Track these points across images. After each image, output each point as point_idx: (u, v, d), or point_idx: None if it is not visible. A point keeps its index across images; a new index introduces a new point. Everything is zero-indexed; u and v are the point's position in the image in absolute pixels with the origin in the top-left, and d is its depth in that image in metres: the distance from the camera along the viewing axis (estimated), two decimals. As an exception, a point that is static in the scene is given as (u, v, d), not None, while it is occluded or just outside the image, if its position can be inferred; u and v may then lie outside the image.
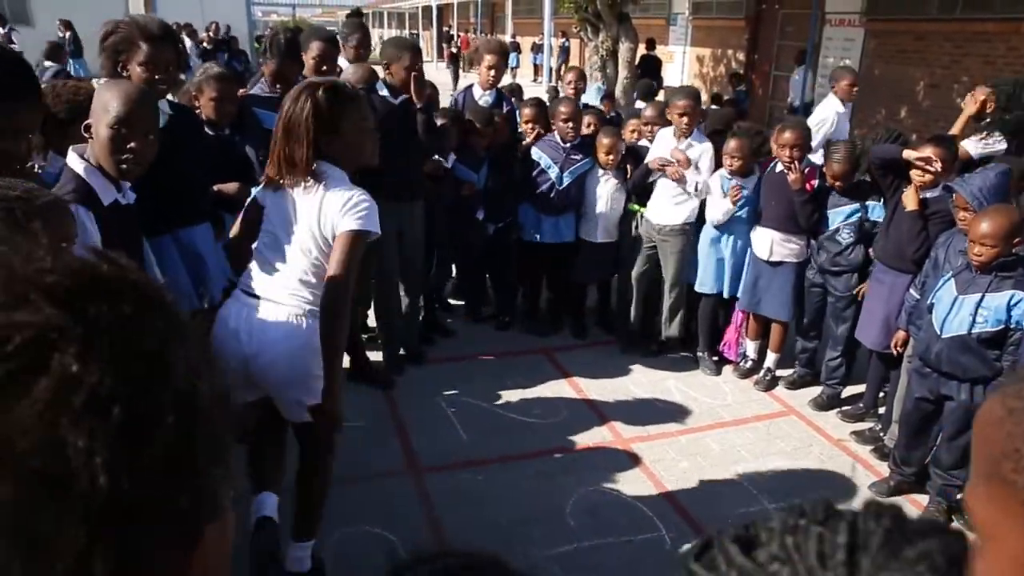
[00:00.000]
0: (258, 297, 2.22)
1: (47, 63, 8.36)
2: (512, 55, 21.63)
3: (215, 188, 3.12)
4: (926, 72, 10.15)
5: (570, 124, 4.12)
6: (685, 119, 3.93)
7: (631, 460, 3.36)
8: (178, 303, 0.49)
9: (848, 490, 3.22)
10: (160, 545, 0.44)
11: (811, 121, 5.26)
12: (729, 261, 4.03)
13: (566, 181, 4.19)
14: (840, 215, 3.64)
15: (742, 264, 4.02)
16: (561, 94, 5.17)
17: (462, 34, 25.85)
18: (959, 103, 9.32)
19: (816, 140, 4.06)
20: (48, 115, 2.10)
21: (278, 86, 3.49)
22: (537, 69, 20.66)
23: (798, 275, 3.87)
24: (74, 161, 1.98)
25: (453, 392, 3.90)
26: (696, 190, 4.01)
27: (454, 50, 21.24)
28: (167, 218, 2.61)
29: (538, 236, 4.33)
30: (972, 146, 3.92)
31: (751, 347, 4.19)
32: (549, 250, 4.38)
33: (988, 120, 3.92)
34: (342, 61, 4.45)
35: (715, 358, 4.33)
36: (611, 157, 4.14)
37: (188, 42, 13.86)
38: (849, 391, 3.93)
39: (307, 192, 2.15)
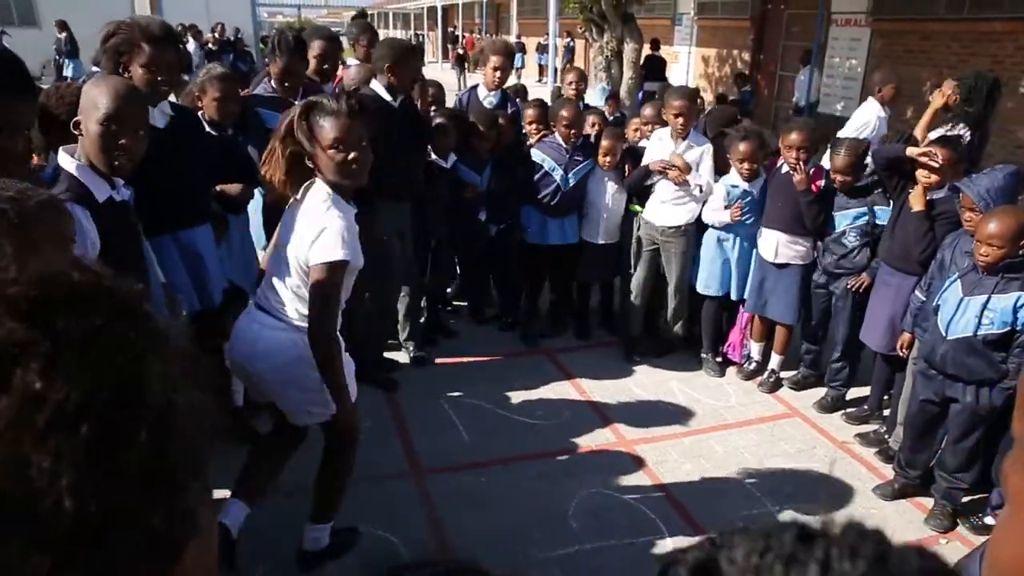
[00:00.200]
0: (263, 309, 2.29)
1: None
2: (517, 56, 21.69)
3: (218, 189, 3.13)
4: (933, 72, 10.09)
5: (572, 130, 4.08)
6: (680, 120, 3.91)
7: (634, 462, 3.35)
8: (157, 311, 0.47)
9: (852, 493, 3.19)
10: (134, 566, 0.42)
11: (852, 125, 5.24)
12: (735, 263, 4.01)
13: (571, 182, 4.17)
14: (846, 218, 3.62)
15: (748, 266, 4.01)
16: (563, 95, 5.14)
17: (467, 35, 25.87)
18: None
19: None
20: (50, 116, 2.10)
21: (286, 83, 3.48)
22: (542, 69, 20.66)
23: (804, 278, 3.84)
24: (65, 161, 1.97)
25: (455, 393, 3.89)
26: (700, 191, 4.00)
27: (460, 51, 21.25)
28: (167, 219, 2.61)
29: (544, 239, 4.29)
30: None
31: (755, 349, 4.17)
32: (551, 251, 4.36)
33: (953, 113, 4.07)
34: (352, 61, 4.45)
35: (719, 359, 4.31)
36: (608, 159, 4.13)
37: (193, 43, 13.90)
38: (854, 393, 3.91)
39: (297, 210, 2.20)
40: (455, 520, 2.91)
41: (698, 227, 4.12)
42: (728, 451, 3.47)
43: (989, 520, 2.90)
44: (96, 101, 1.93)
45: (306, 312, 2.20)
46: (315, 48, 3.49)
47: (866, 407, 3.77)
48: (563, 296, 4.70)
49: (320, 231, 2.09)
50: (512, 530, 2.86)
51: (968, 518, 2.98)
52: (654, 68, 12.30)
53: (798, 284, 3.84)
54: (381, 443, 3.40)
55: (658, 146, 4.07)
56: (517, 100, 5.03)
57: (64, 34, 13.29)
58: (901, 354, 3.30)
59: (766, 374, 4.10)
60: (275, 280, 2.26)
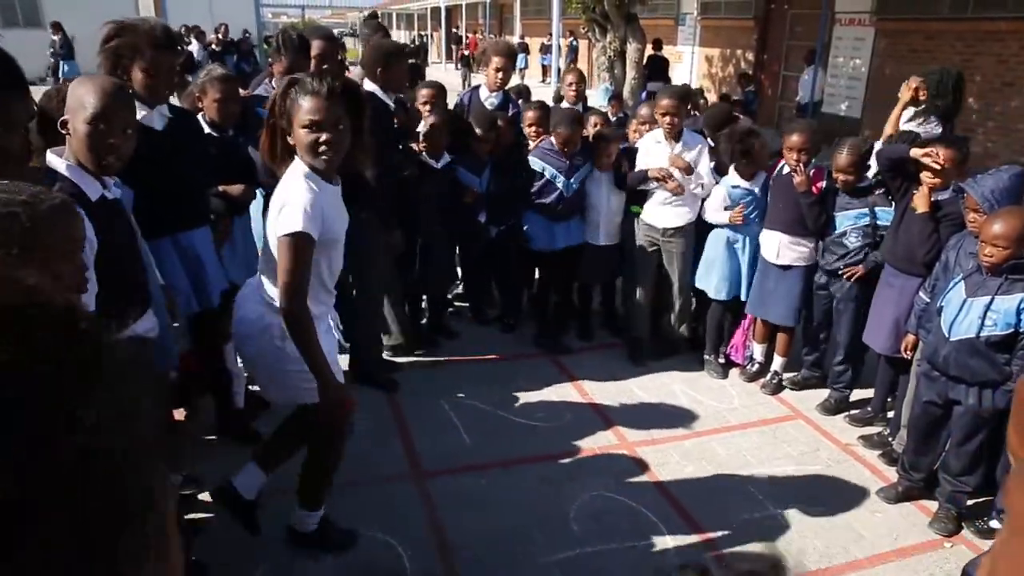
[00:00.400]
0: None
1: (210, 65, 8.46)
2: (520, 56, 21.68)
3: (220, 189, 3.12)
4: (937, 72, 10.05)
5: (566, 148, 4.03)
6: (668, 119, 3.89)
7: (635, 464, 3.33)
8: (99, 329, 0.40)
9: (855, 496, 3.17)
10: None
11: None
12: (747, 265, 4.00)
13: (574, 187, 4.15)
14: (847, 219, 3.60)
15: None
16: (564, 98, 5.11)
17: (470, 35, 25.86)
18: (971, 103, 9.26)
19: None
20: (49, 118, 2.08)
21: None
22: (545, 70, 20.66)
23: (806, 280, 3.82)
24: (55, 162, 1.96)
25: (457, 395, 3.88)
26: (702, 189, 3.99)
27: (465, 52, 21.27)
28: (166, 221, 2.61)
29: (553, 244, 4.23)
30: (913, 128, 4.18)
31: (758, 350, 4.15)
32: (555, 254, 4.31)
33: (923, 107, 4.23)
34: None
35: (721, 361, 4.29)
36: (602, 160, 4.12)
37: (196, 44, 13.91)
38: (857, 395, 3.89)
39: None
40: (456, 522, 2.89)
41: (699, 227, 4.11)
42: (730, 453, 3.45)
43: (994, 524, 2.88)
44: (83, 100, 1.92)
45: (265, 285, 2.25)
46: (314, 48, 3.49)
47: (869, 409, 3.74)
48: (565, 298, 4.68)
49: (282, 205, 2.09)
50: (513, 533, 2.84)
51: (973, 522, 2.96)
52: (657, 68, 12.28)
53: (800, 286, 3.82)
54: (382, 444, 3.39)
55: (654, 148, 4.05)
56: (520, 101, 5.02)
57: (59, 35, 13.30)
58: (905, 356, 3.27)
59: (769, 376, 4.08)
60: (263, 255, 2.31)
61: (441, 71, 23.56)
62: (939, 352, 2.83)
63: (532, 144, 4.29)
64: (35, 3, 17.56)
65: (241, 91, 3.49)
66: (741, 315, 4.21)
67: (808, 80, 11.05)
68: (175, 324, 2.67)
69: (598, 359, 4.37)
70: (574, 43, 19.61)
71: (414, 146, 4.03)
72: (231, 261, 3.21)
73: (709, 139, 4.31)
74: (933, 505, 3.05)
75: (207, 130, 3.15)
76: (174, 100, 2.88)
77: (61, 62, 13.03)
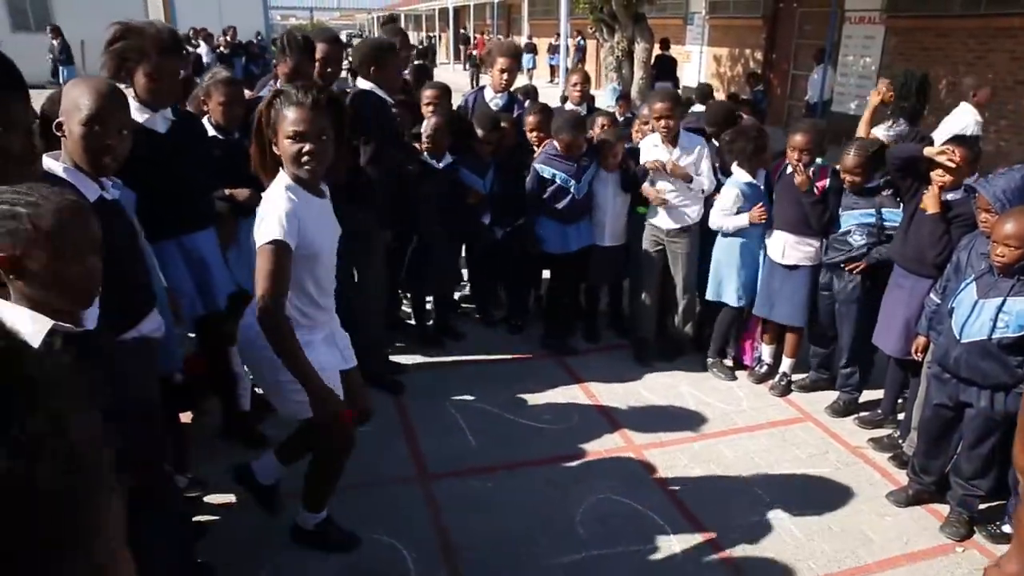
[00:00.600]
0: None
1: (215, 68, 8.57)
2: (528, 56, 21.70)
3: (227, 192, 3.12)
4: (949, 69, 9.96)
5: (570, 152, 4.00)
6: (663, 123, 3.86)
7: (642, 467, 3.31)
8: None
9: (865, 499, 3.13)
10: None
11: (946, 132, 5.16)
12: (762, 267, 3.97)
13: (585, 189, 4.12)
14: (852, 218, 3.56)
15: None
16: (568, 100, 5.07)
17: (478, 36, 25.87)
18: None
19: None
20: (51, 121, 2.08)
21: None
22: (553, 70, 20.64)
23: (813, 279, 3.79)
24: (52, 165, 1.96)
25: (462, 397, 3.87)
26: (703, 192, 3.96)
27: (473, 52, 21.29)
28: (170, 224, 2.61)
29: (566, 247, 4.18)
30: (881, 132, 4.33)
31: (766, 351, 4.12)
32: (565, 256, 4.26)
33: (890, 110, 4.40)
34: None
35: (729, 363, 4.26)
36: (608, 161, 4.09)
37: (204, 47, 13.98)
38: (867, 396, 3.85)
39: None
40: (460, 525, 2.88)
41: (704, 228, 4.08)
42: (738, 456, 3.42)
43: (1007, 528, 2.83)
44: (78, 102, 1.91)
45: None
46: (318, 51, 3.48)
47: (879, 411, 3.70)
48: (572, 299, 4.66)
49: (262, 216, 2.10)
50: (518, 535, 2.83)
51: (985, 526, 2.92)
52: (665, 68, 12.24)
53: (806, 286, 3.78)
54: (387, 446, 3.39)
55: (653, 152, 4.03)
56: (527, 102, 5.00)
57: (58, 40, 13.37)
58: (916, 358, 3.23)
59: (777, 377, 4.05)
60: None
61: (449, 72, 23.59)
62: (950, 354, 2.79)
63: (536, 150, 4.26)
64: (46, 8, 17.70)
65: (248, 93, 3.50)
66: (748, 317, 4.18)
67: (817, 79, 10.98)
68: (179, 327, 2.67)
69: (605, 360, 4.35)
70: (581, 42, 19.58)
71: (417, 145, 4.03)
72: (237, 263, 3.21)
73: (714, 139, 4.29)
74: (944, 509, 3.01)
75: (212, 133, 3.16)
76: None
77: (60, 67, 13.10)
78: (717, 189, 4.03)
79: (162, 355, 2.37)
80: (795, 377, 4.06)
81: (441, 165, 4.06)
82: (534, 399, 3.88)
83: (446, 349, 4.41)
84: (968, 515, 2.91)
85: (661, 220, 4.07)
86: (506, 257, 4.48)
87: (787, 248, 3.77)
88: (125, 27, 2.49)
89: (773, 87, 13.50)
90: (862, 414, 3.75)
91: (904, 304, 3.29)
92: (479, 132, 4.08)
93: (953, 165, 3.06)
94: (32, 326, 1.46)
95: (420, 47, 19.47)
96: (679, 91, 7.46)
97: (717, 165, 4.12)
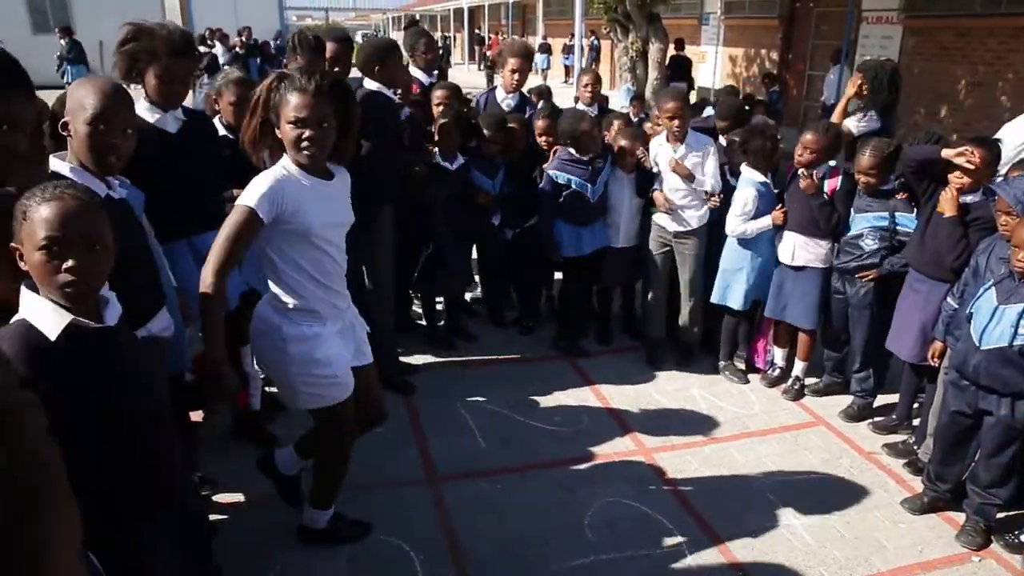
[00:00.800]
0: None
1: (226, 68, 8.73)
2: (543, 57, 21.67)
3: (237, 192, 3.12)
4: (968, 69, 9.83)
5: (588, 150, 3.98)
6: (676, 122, 3.83)
7: (653, 471, 3.28)
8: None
9: (878, 506, 3.08)
10: None
11: (1011, 142, 5.05)
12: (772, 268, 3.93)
13: (601, 191, 4.10)
14: (864, 221, 3.52)
15: None
16: (579, 101, 5.04)
17: (493, 36, 25.88)
18: (1003, 101, 9.05)
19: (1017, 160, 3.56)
20: (60, 121, 2.09)
21: None
22: (568, 70, 20.60)
23: (824, 281, 3.74)
24: (58, 165, 1.97)
25: (473, 398, 3.86)
26: (707, 196, 3.94)
27: (488, 52, 21.31)
28: (181, 224, 2.61)
29: (580, 250, 4.15)
30: (853, 125, 4.33)
31: (779, 355, 4.07)
32: (580, 258, 4.22)
33: (863, 102, 4.37)
34: (415, 72, 4.46)
35: (742, 366, 4.21)
36: (625, 161, 4.06)
37: (220, 47, 14.07)
38: (881, 401, 3.79)
39: None
40: (469, 527, 2.87)
41: (709, 231, 4.05)
42: (750, 460, 3.38)
43: (1025, 537, 2.78)
44: (82, 102, 1.92)
45: (270, 285, 2.28)
46: (328, 51, 3.49)
47: (894, 416, 3.65)
48: (584, 301, 4.63)
49: (252, 183, 2.13)
50: (527, 539, 2.81)
51: (1003, 535, 2.86)
52: (679, 68, 12.17)
53: (817, 288, 3.74)
54: (396, 447, 3.38)
55: (659, 151, 4.00)
56: (541, 102, 4.98)
57: (65, 40, 13.51)
58: (932, 363, 3.18)
59: (790, 381, 4.00)
60: (261, 255, 2.33)
61: (464, 72, 23.62)
62: (969, 361, 2.74)
63: (547, 153, 4.23)
64: (66, 10, 17.91)
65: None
66: (761, 320, 4.13)
67: (834, 80, 10.85)
68: (188, 327, 2.67)
69: (616, 363, 4.32)
70: (595, 42, 19.53)
71: (428, 147, 4.02)
72: (248, 263, 3.21)
73: (721, 138, 4.26)
74: (960, 517, 2.95)
75: (223, 133, 3.16)
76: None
77: (68, 66, 13.24)
78: (724, 191, 3.99)
79: (171, 355, 2.37)
80: (808, 381, 4.01)
81: (454, 167, 4.05)
82: (545, 401, 3.86)
83: (457, 350, 4.40)
84: (985, 524, 2.86)
85: (668, 221, 4.03)
86: (517, 258, 4.46)
87: (797, 249, 3.72)
88: (137, 28, 2.50)
89: (789, 88, 13.39)
90: (876, 419, 3.70)
91: (920, 309, 3.24)
92: (485, 132, 4.07)
93: (972, 167, 3.01)
94: (52, 319, 1.48)
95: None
96: (694, 92, 7.41)
97: (725, 166, 4.08)
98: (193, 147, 2.61)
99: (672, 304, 4.30)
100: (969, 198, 3.09)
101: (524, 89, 4.68)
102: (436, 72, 5.18)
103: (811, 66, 13.09)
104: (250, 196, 2.08)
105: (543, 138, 4.27)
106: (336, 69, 3.48)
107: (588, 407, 3.83)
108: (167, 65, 2.46)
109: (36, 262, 1.47)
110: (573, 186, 4.02)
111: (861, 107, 4.38)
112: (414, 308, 4.80)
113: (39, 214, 1.45)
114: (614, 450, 3.44)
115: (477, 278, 5.00)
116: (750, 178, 3.83)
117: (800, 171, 3.62)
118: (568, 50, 20.07)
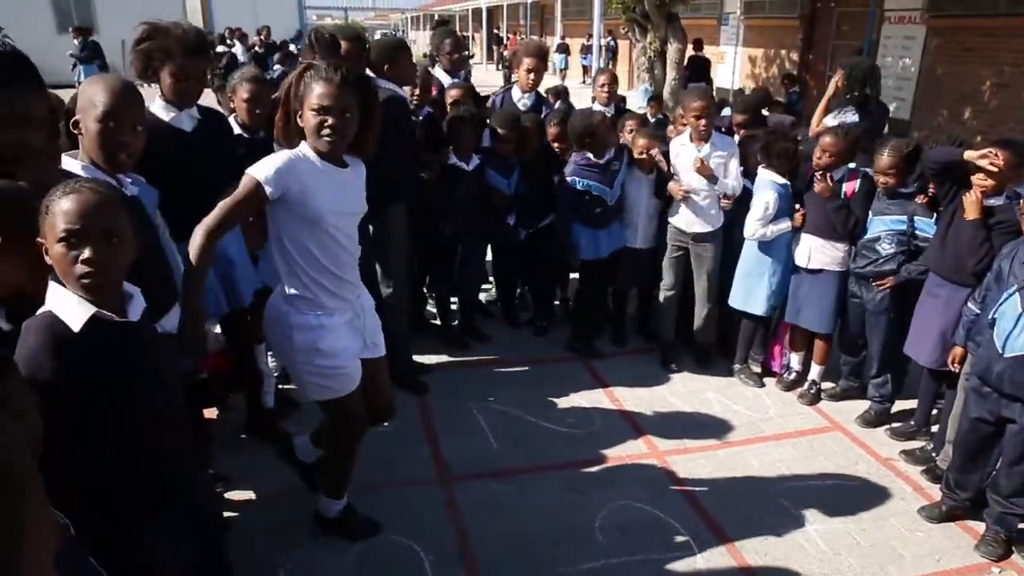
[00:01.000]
0: None
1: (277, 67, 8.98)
2: (561, 57, 21.62)
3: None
4: (993, 70, 9.67)
5: (595, 150, 3.96)
6: (703, 122, 3.79)
7: (665, 474, 3.25)
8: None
9: (895, 513, 3.03)
10: None
11: None
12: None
13: (618, 193, 4.07)
14: (882, 224, 3.46)
15: None
16: (596, 101, 5.00)
17: (511, 36, 25.87)
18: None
19: None
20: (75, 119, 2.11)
21: None
22: (586, 70, 20.54)
23: (840, 285, 3.68)
24: (70, 163, 1.98)
25: (486, 399, 3.85)
26: (726, 197, 3.91)
27: (506, 52, 21.32)
28: (196, 222, 2.61)
29: (598, 253, 4.12)
30: (830, 121, 4.45)
31: (795, 359, 4.02)
32: (597, 260, 4.19)
33: (841, 99, 4.49)
34: (439, 72, 4.45)
35: (757, 369, 4.17)
36: (644, 157, 4.01)
37: (239, 46, 14.18)
38: (899, 407, 3.73)
39: None
40: (479, 528, 2.86)
41: (725, 235, 4.01)
42: (764, 465, 3.34)
43: (1047, 549, 2.72)
44: (93, 99, 1.93)
45: (281, 275, 2.31)
46: (342, 49, 3.49)
47: (912, 423, 3.59)
48: (599, 302, 4.60)
49: (266, 158, 2.17)
50: (537, 540, 2.80)
51: None
52: (698, 69, 12.09)
53: (833, 292, 3.68)
54: (408, 447, 3.38)
55: (682, 151, 3.95)
56: (557, 103, 4.95)
57: (79, 39, 13.69)
58: (952, 369, 3.12)
59: (806, 385, 3.95)
60: (272, 245, 2.36)
61: (482, 72, 23.63)
62: (992, 368, 2.68)
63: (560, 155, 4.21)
64: (89, 10, 18.17)
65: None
66: (778, 323, 4.08)
67: (855, 80, 10.74)
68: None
69: (630, 365, 4.29)
70: (612, 43, 19.46)
71: (443, 149, 4.02)
72: (264, 262, 3.22)
73: (739, 133, 4.23)
74: (980, 526, 2.90)
75: (237, 131, 3.18)
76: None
77: (80, 66, 13.42)
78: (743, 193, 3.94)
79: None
80: (825, 385, 3.96)
81: (470, 167, 4.04)
82: (558, 402, 3.85)
83: (470, 350, 4.39)
84: (1006, 534, 2.80)
85: (683, 222, 3.99)
86: (532, 259, 4.44)
87: (813, 252, 3.68)
88: (151, 27, 2.53)
89: (809, 89, 13.24)
90: (894, 425, 3.64)
91: (940, 314, 3.18)
92: (499, 131, 4.06)
93: (996, 169, 2.95)
94: (76, 311, 1.51)
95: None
96: (713, 92, 7.36)
97: (740, 168, 4.03)
98: (208, 146, 2.63)
99: (686, 306, 4.26)
100: (992, 201, 3.03)
101: (541, 89, 4.66)
102: (463, 74, 5.15)
103: (832, 67, 12.94)
104: (260, 170, 2.12)
105: (556, 144, 4.25)
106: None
107: (601, 409, 3.81)
108: (181, 64, 2.49)
109: (57, 254, 1.50)
110: (592, 192, 3.99)
111: (839, 104, 4.51)
112: (428, 308, 4.80)
113: (59, 207, 1.49)
114: (627, 453, 3.42)
115: (492, 279, 4.99)
116: (769, 180, 3.77)
117: (816, 174, 3.58)
118: (586, 50, 20.01)
